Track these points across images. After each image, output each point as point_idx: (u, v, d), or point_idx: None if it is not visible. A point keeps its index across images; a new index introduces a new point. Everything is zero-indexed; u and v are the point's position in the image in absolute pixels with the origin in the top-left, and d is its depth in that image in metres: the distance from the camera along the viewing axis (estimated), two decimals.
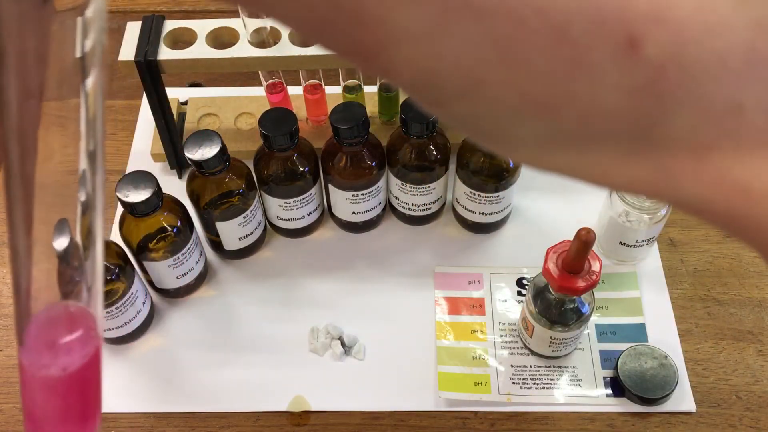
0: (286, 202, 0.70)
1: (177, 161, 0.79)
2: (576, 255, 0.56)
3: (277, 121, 0.65)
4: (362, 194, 0.71)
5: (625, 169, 0.24)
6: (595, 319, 0.70)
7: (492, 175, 0.69)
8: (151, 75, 0.69)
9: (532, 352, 0.68)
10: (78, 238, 0.30)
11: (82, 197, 0.29)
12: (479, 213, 0.72)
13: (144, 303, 0.68)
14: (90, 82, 0.28)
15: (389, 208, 0.77)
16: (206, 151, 0.63)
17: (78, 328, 0.31)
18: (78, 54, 0.27)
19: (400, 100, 0.69)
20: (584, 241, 0.55)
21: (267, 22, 0.69)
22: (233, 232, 0.70)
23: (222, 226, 0.69)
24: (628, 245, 0.71)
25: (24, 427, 0.34)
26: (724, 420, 0.65)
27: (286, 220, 0.73)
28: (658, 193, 0.25)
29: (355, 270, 0.74)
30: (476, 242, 0.76)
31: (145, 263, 0.66)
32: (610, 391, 0.66)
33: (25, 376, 0.32)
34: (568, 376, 0.67)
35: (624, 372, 0.65)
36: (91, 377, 0.32)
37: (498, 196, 0.70)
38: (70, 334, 0.31)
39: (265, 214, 0.74)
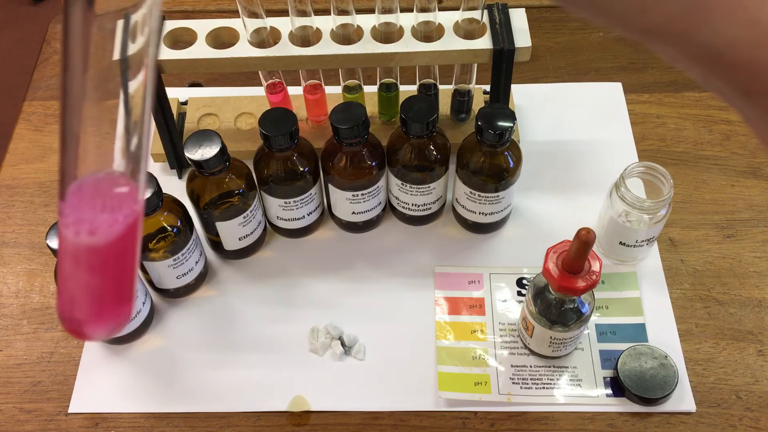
0: (286, 202, 0.70)
1: (177, 161, 0.79)
2: (576, 255, 0.56)
3: (277, 121, 0.65)
4: (362, 194, 0.71)
5: (663, 4, 0.25)
6: (595, 319, 0.70)
7: (492, 175, 0.69)
8: None
9: (532, 352, 0.68)
10: (127, 109, 0.30)
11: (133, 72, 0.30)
12: (479, 213, 0.72)
13: (144, 303, 0.68)
14: (140, 78, 0.29)
15: (389, 208, 0.77)
16: (206, 151, 0.63)
17: (122, 187, 0.31)
18: (119, 55, 0.29)
19: (400, 100, 0.69)
20: (584, 241, 0.55)
21: (267, 22, 0.69)
22: (233, 232, 0.70)
23: (222, 226, 0.69)
24: (628, 245, 0.71)
25: (57, 307, 0.34)
26: (724, 420, 0.65)
27: (286, 220, 0.73)
28: (689, 32, 0.26)
29: (355, 270, 0.74)
30: (476, 242, 0.76)
31: (145, 263, 0.66)
32: (610, 391, 0.66)
33: (64, 244, 0.31)
34: (568, 376, 0.67)
35: (624, 372, 0.65)
36: (128, 248, 0.32)
37: (498, 196, 0.70)
38: (113, 191, 0.31)
39: (265, 214, 0.74)
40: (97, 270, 0.32)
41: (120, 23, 0.29)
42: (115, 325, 0.34)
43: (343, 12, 0.68)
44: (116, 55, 0.30)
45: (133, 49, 0.29)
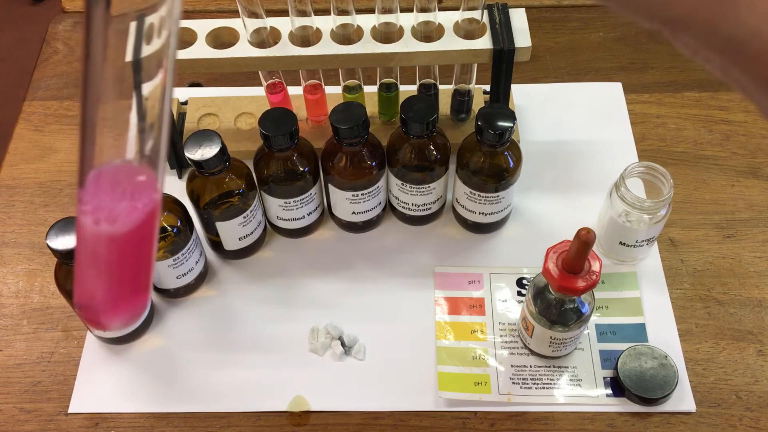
0: (286, 202, 0.70)
1: (177, 161, 0.79)
2: (576, 255, 0.56)
3: (277, 121, 0.65)
4: (362, 194, 0.71)
5: None
6: (595, 319, 0.70)
7: (492, 175, 0.69)
8: None
9: (532, 352, 0.68)
10: (145, 103, 0.30)
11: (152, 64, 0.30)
12: (479, 213, 0.72)
13: None
14: (161, 76, 0.30)
15: (389, 208, 0.77)
16: (206, 151, 0.63)
17: (140, 175, 0.31)
18: (133, 56, 0.29)
19: (400, 100, 0.69)
20: (584, 241, 0.55)
21: (267, 22, 0.69)
22: (233, 232, 0.70)
23: (222, 226, 0.69)
24: (628, 245, 0.71)
25: (74, 295, 0.33)
26: (724, 420, 0.65)
27: (286, 220, 0.73)
28: (713, 22, 0.27)
29: (355, 270, 0.74)
30: (476, 242, 0.76)
31: None
32: (610, 391, 0.66)
33: (82, 232, 0.31)
34: (568, 376, 0.67)
35: (624, 372, 0.65)
36: (146, 237, 0.32)
37: (498, 196, 0.70)
38: (132, 179, 0.31)
39: (265, 214, 0.74)
40: (115, 258, 0.32)
41: (133, 24, 0.29)
42: (131, 315, 0.34)
43: (343, 12, 0.68)
44: (129, 57, 0.30)
45: (152, 49, 0.29)
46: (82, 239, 0.31)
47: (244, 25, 0.69)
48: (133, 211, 0.31)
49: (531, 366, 0.67)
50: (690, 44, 0.29)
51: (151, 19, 0.29)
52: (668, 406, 0.65)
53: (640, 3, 0.28)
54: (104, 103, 0.30)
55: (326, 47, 0.69)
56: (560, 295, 0.61)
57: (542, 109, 0.86)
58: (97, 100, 0.29)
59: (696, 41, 0.28)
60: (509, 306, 0.71)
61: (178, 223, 0.66)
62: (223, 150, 0.64)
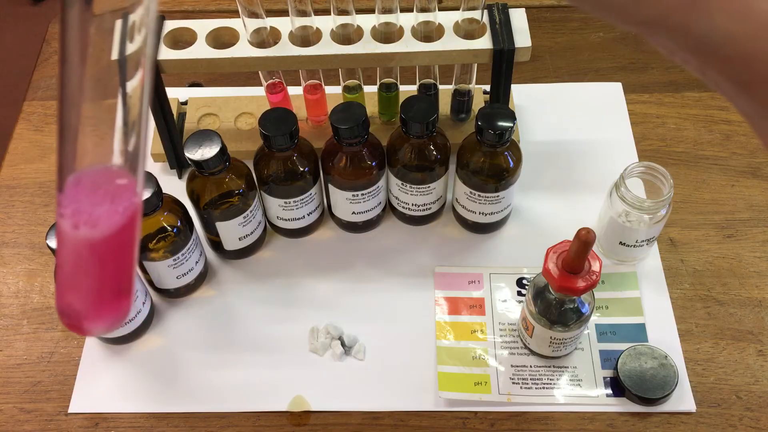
0: (286, 202, 0.70)
1: (177, 161, 0.79)
2: (576, 255, 0.56)
3: (277, 121, 0.65)
4: (362, 194, 0.71)
5: None
6: (595, 319, 0.70)
7: (492, 175, 0.69)
8: None
9: (532, 352, 0.68)
10: (125, 107, 0.30)
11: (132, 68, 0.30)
12: (479, 213, 0.72)
13: (144, 303, 0.68)
14: (138, 77, 0.30)
15: (389, 208, 0.77)
16: (206, 151, 0.63)
17: (120, 179, 0.31)
18: (117, 55, 0.29)
19: (400, 100, 0.69)
20: (584, 241, 0.55)
21: (267, 22, 0.69)
22: (233, 232, 0.70)
23: (222, 226, 0.69)
24: (628, 245, 0.71)
25: (56, 301, 0.33)
26: (724, 420, 0.65)
27: (286, 220, 0.73)
28: (686, 24, 0.27)
29: (355, 270, 0.74)
30: (476, 242, 0.76)
31: (145, 263, 0.66)
32: (610, 391, 0.66)
33: (61, 236, 0.31)
34: (568, 376, 0.67)
35: (624, 372, 0.65)
36: (127, 241, 0.32)
37: (498, 196, 0.70)
38: (112, 183, 0.31)
39: (265, 214, 0.74)
40: (96, 263, 0.32)
41: (118, 23, 0.29)
42: (114, 320, 0.33)
43: (343, 12, 0.68)
44: (114, 55, 0.30)
45: (130, 48, 0.29)
46: (62, 244, 0.31)
47: (244, 25, 0.69)
48: (114, 214, 0.31)
49: (531, 366, 0.67)
50: (667, 45, 0.29)
51: (132, 17, 0.29)
52: (668, 406, 0.65)
53: (614, 5, 0.27)
54: (84, 103, 0.30)
55: (326, 47, 0.69)
56: (560, 295, 0.61)
57: (542, 109, 0.86)
58: (73, 102, 0.29)
59: (671, 43, 0.28)
60: (509, 306, 0.71)
61: (178, 223, 0.66)
62: (223, 150, 0.64)
